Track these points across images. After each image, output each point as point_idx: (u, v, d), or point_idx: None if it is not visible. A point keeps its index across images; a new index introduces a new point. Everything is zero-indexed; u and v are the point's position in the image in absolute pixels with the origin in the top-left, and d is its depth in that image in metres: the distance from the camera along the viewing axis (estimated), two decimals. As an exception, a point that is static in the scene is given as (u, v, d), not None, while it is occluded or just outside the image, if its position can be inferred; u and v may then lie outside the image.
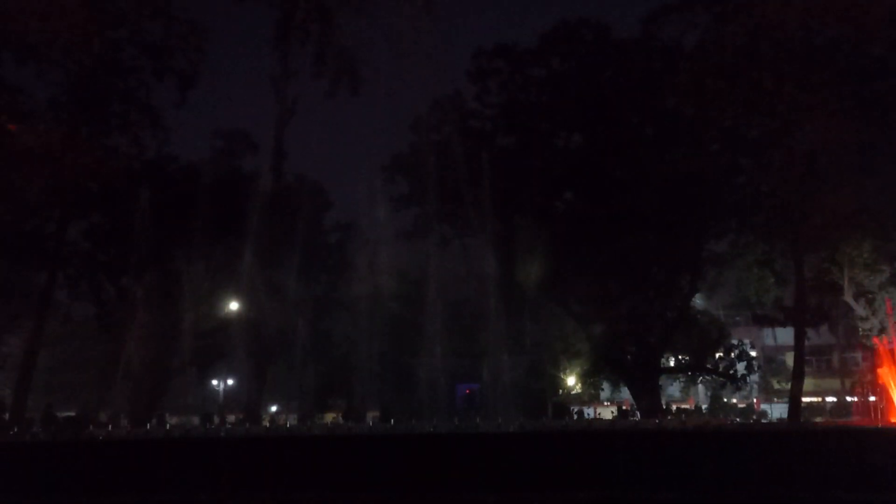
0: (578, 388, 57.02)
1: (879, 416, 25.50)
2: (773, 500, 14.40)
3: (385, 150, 45.41)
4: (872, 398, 24.87)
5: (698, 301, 48.14)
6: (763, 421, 48.14)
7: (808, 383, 40.10)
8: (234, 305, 44.85)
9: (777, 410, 56.30)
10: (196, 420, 40.87)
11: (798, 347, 37.60)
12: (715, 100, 32.23)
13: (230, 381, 59.24)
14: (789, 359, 44.91)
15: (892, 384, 27.38)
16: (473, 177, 39.87)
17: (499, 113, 43.28)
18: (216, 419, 41.64)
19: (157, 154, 43.10)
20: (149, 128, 42.05)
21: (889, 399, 27.45)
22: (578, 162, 41.36)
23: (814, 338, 40.50)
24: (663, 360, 46.06)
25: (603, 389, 55.29)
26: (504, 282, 42.80)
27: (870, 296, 34.42)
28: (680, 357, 48.28)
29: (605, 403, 58.75)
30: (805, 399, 38.12)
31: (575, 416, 48.19)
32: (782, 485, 15.76)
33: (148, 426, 36.13)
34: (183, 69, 41.49)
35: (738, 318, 58.29)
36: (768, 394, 62.23)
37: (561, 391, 56.56)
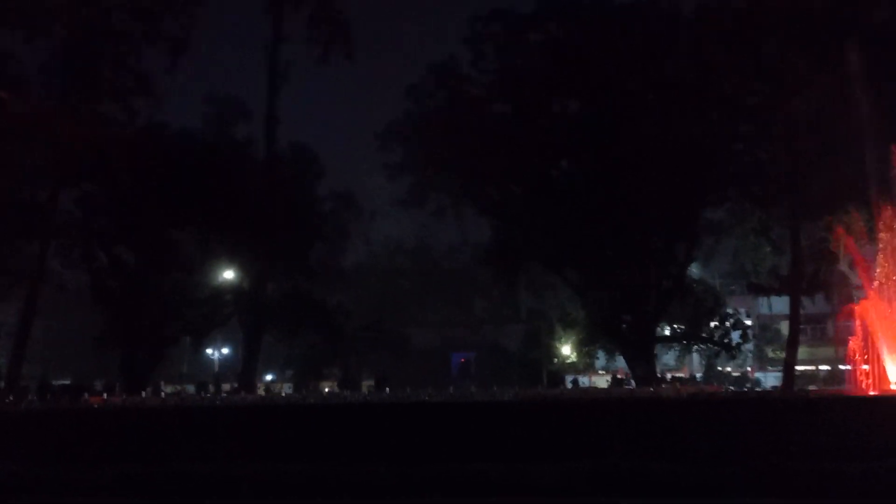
0: (574, 357, 57.26)
1: (871, 385, 25.71)
2: (768, 470, 14.37)
3: (379, 118, 44.93)
4: (866, 367, 24.84)
5: (694, 270, 48.14)
6: (757, 389, 48.45)
7: (802, 352, 40.29)
8: (228, 274, 44.67)
9: (771, 379, 56.67)
10: (191, 389, 40.98)
11: (793, 316, 37.68)
12: (715, 66, 31.83)
13: (225, 351, 59.34)
14: (784, 327, 45.08)
15: (886, 352, 27.39)
16: (469, 144, 39.45)
17: (495, 79, 42.66)
18: (211, 388, 41.71)
19: (149, 121, 42.57)
20: (140, 94, 41.46)
21: (882, 367, 27.47)
22: (576, 129, 40.91)
23: (809, 306, 40.52)
24: (659, 329, 46.15)
25: (598, 358, 55.49)
26: (500, 251, 42.65)
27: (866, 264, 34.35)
28: (675, 326, 48.41)
29: (601, 372, 59.04)
30: (799, 367, 38.29)
31: (570, 385, 48.49)
32: (777, 453, 15.71)
33: (143, 395, 36.18)
34: (174, 34, 40.82)
35: (733, 287, 58.37)
36: (762, 362, 62.60)
37: (556, 360, 56.82)
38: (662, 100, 38.49)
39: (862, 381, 24.36)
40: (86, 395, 31.21)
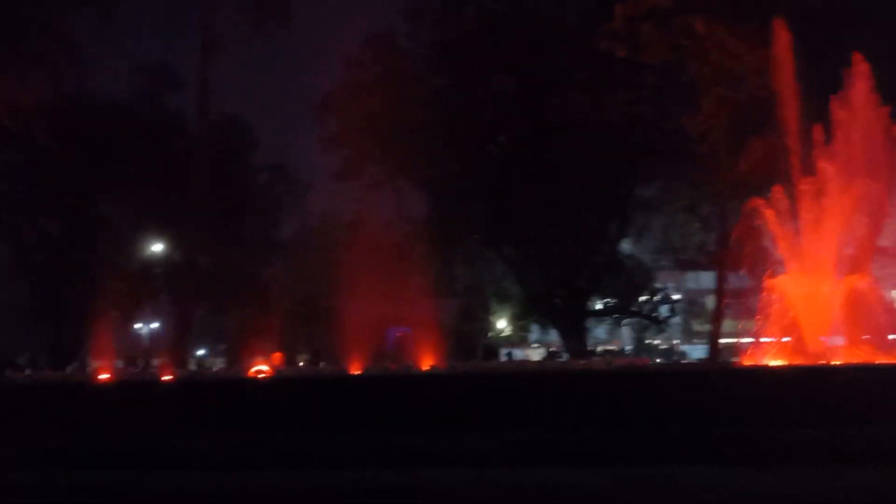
0: (508, 331, 58.07)
1: (789, 356, 27.06)
2: (695, 437, 14.96)
3: (314, 90, 44.16)
4: (786, 339, 25.94)
5: (626, 246, 49.22)
6: (683, 361, 50.10)
7: (727, 325, 41.71)
8: (158, 247, 43.54)
9: (697, 351, 58.60)
10: (119, 364, 39.94)
11: (719, 291, 38.96)
12: (647, 44, 32.32)
13: (155, 325, 57.96)
14: (710, 302, 46.52)
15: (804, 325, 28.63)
16: (405, 118, 39.21)
17: (432, 53, 42.45)
18: (141, 363, 40.78)
19: (76, 89, 40.87)
20: (66, 61, 39.71)
21: (801, 338, 28.69)
22: (512, 105, 41.13)
23: (734, 281, 41.95)
24: (591, 304, 47.15)
25: (532, 332, 56.44)
26: (436, 225, 42.74)
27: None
28: (607, 300, 49.52)
29: (535, 346, 60.05)
30: (723, 340, 39.68)
31: (505, 358, 49.17)
32: (701, 421, 16.33)
33: (68, 370, 35.13)
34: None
35: (663, 263, 59.89)
36: (689, 335, 64.65)
37: (491, 334, 57.50)
38: (595, 76, 38.99)
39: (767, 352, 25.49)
40: (7, 370, 30.17)
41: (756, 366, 24.49)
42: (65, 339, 40.70)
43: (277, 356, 33.99)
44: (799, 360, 24.19)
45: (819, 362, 23.50)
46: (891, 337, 24.48)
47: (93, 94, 41.78)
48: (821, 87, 29.20)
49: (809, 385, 18.00)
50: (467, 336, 51.69)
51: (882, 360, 22.47)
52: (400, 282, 39.60)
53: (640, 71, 36.93)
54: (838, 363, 22.80)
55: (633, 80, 37.88)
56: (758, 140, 31.71)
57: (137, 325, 56.84)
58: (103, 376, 28.37)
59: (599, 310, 50.30)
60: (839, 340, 26.00)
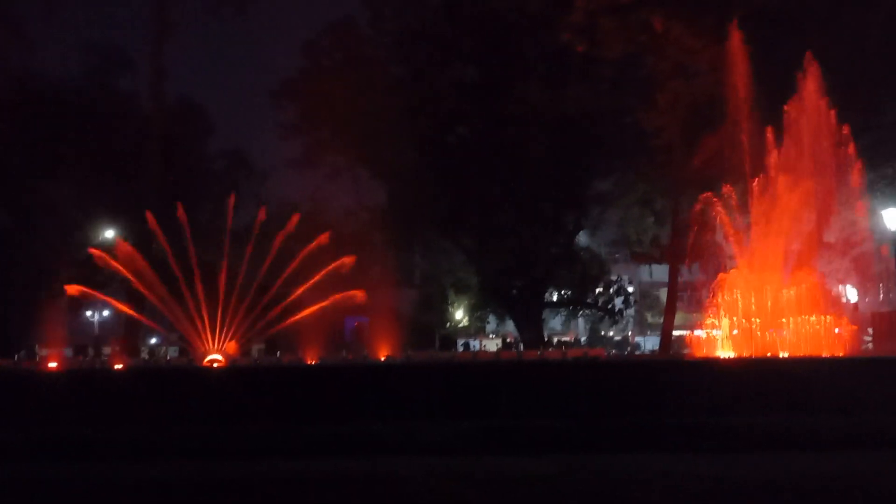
0: (466, 322, 58.25)
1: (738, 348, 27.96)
2: (645, 426, 15.28)
3: (273, 75, 43.61)
4: (735, 332, 26.64)
5: (582, 238, 49.75)
6: (637, 353, 50.97)
7: (679, 317, 42.53)
8: (109, 233, 42.57)
9: (650, 343, 59.62)
10: (69, 352, 39.07)
11: (671, 284, 39.70)
12: (606, 38, 32.67)
13: (106, 313, 56.74)
14: (663, 294, 47.36)
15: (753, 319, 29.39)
16: (365, 106, 39.01)
17: (393, 41, 42.26)
18: (90, 351, 39.93)
19: (21, 70, 39.64)
20: (11, 39, 38.51)
21: (749, 331, 29.45)
22: (471, 95, 41.18)
23: (686, 275, 42.77)
24: (547, 295, 47.59)
25: (489, 322, 56.70)
26: (394, 215, 42.64)
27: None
28: (563, 292, 50.01)
29: (491, 336, 60.36)
30: (676, 332, 40.47)
31: (461, 349, 49.38)
32: (652, 411, 16.69)
33: (16, 358, 34.22)
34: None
35: (617, 256, 60.71)
36: (643, 327, 65.70)
37: (449, 324, 57.62)
38: (554, 69, 39.28)
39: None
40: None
41: (706, 357, 25.10)
42: (11, 326, 39.60)
43: (232, 346, 33.59)
44: (747, 352, 24.86)
45: (766, 354, 24.19)
46: (836, 330, 25.33)
47: (39, 74, 40.55)
48: (774, 85, 29.92)
49: (757, 376, 18.53)
50: (425, 326, 51.74)
51: (826, 352, 23.23)
52: (358, 271, 39.40)
53: (599, 65, 37.31)
54: (785, 355, 23.49)
55: (591, 74, 38.25)
56: (711, 136, 32.34)
57: (88, 313, 55.61)
58: (52, 365, 27.76)
59: (555, 301, 50.82)
60: (786, 333, 26.75)
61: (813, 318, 24.72)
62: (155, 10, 42.88)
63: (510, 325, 50.92)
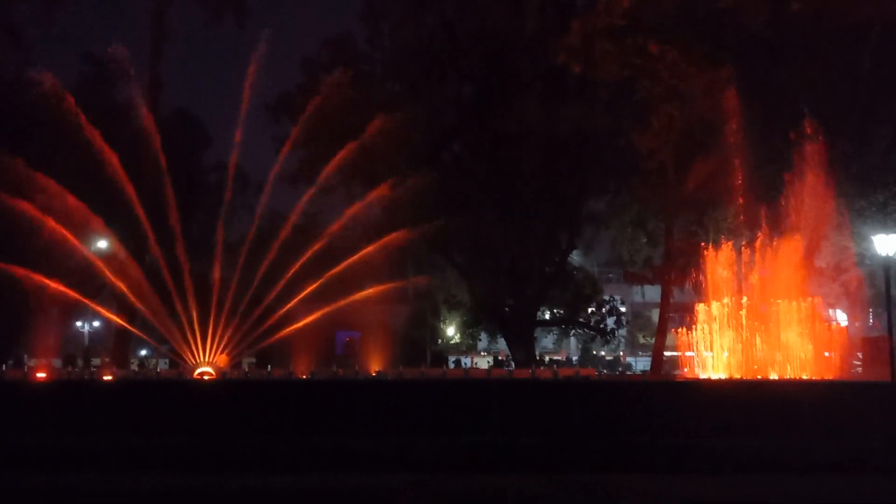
0: (457, 339, 58.16)
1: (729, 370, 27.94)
2: (634, 446, 15.29)
3: (271, 89, 43.75)
4: (725, 353, 26.74)
5: (575, 257, 49.86)
6: (628, 373, 50.97)
7: (670, 338, 42.58)
8: (101, 243, 42.39)
9: (641, 363, 59.64)
10: (58, 363, 38.84)
11: (663, 304, 39.77)
12: (602, 61, 32.96)
13: (96, 324, 56.43)
14: (655, 315, 47.42)
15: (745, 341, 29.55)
16: (361, 121, 39.13)
17: (390, 57, 42.51)
18: (80, 362, 39.70)
19: (17, 76, 39.63)
20: (8, 46, 38.55)
21: (740, 353, 29.57)
22: (467, 113, 41.41)
23: (678, 296, 42.90)
24: (539, 313, 47.59)
25: (481, 340, 56.64)
26: (388, 230, 42.64)
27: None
28: (555, 311, 50.02)
29: (483, 354, 60.31)
30: (667, 353, 40.52)
31: (452, 366, 49.31)
32: (642, 431, 16.71)
33: (4, 368, 34.00)
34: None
35: (610, 276, 60.90)
36: (634, 347, 65.77)
37: (440, 341, 57.54)
38: (550, 89, 39.55)
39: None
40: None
41: (696, 379, 25.15)
42: (-1, 336, 39.37)
43: (223, 359, 33.48)
44: (738, 375, 24.93)
45: (757, 377, 24.26)
46: (826, 354, 25.45)
47: (36, 81, 40.51)
48: (767, 111, 30.25)
49: (747, 398, 18.57)
50: (416, 342, 51.65)
51: (815, 376, 23.32)
52: (350, 286, 39.38)
53: (594, 86, 37.62)
54: (774, 378, 23.57)
55: (586, 95, 38.54)
56: (704, 159, 32.61)
57: (78, 324, 55.30)
58: (40, 375, 27.59)
59: (547, 320, 50.81)
60: (776, 357, 26.84)
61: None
62: (153, 22, 43.02)
63: (502, 343, 50.89)
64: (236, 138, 35.96)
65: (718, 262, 28.04)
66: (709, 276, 28.21)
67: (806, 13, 30.17)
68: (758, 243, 27.70)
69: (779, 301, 26.05)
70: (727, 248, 28.32)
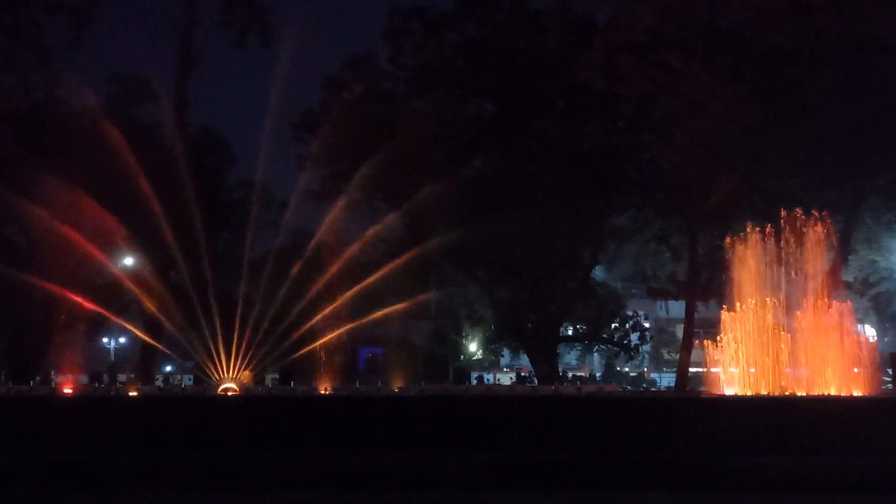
0: (480, 354, 57.98)
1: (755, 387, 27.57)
2: (657, 463, 15.11)
3: (294, 107, 44.11)
4: (752, 370, 26.36)
5: (598, 273, 49.58)
6: (652, 389, 50.44)
7: (695, 354, 42.12)
8: (128, 260, 42.94)
9: (666, 379, 58.99)
10: (84, 379, 39.25)
11: (688, 320, 39.38)
12: (624, 76, 32.90)
13: (122, 340, 57.03)
14: (679, 331, 46.96)
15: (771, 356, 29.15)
16: (384, 139, 39.38)
17: (412, 75, 42.79)
18: (106, 378, 40.10)
19: (48, 97, 40.41)
20: (38, 67, 39.30)
21: (766, 369, 29.18)
22: (489, 130, 41.50)
23: (703, 311, 42.45)
24: (562, 329, 47.33)
25: (503, 356, 56.39)
26: (410, 246, 42.74)
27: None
28: (578, 326, 49.72)
29: (505, 370, 60.01)
30: (692, 369, 40.06)
31: (475, 382, 49.12)
32: (667, 448, 16.51)
33: (32, 384, 34.43)
34: (78, 6, 38.88)
35: (634, 291, 60.39)
36: (659, 363, 65.06)
37: (463, 356, 57.39)
38: (573, 106, 39.55)
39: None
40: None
41: (721, 396, 24.81)
42: (26, 352, 39.87)
43: (246, 375, 33.64)
44: (764, 391, 24.55)
45: (784, 393, 23.88)
46: (854, 370, 25.00)
47: (64, 101, 41.30)
48: (791, 124, 30.00)
49: (774, 415, 18.29)
50: (439, 358, 51.58)
51: (844, 392, 22.90)
52: (373, 302, 39.48)
53: (616, 101, 37.55)
54: (802, 395, 23.18)
55: (608, 111, 38.46)
56: (728, 174, 32.37)
57: (104, 340, 55.93)
58: (66, 391, 27.92)
59: (570, 336, 50.51)
60: (804, 372, 26.41)
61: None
62: (180, 43, 43.70)
63: (525, 359, 50.61)
64: (260, 157, 36.23)
65: (745, 262, 27.56)
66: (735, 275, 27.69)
67: (829, 25, 29.93)
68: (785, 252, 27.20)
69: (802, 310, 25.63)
70: (754, 240, 27.69)
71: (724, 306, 27.66)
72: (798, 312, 26.39)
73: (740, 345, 26.03)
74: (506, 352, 54.94)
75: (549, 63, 39.34)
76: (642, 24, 32.07)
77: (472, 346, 57.55)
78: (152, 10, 44.04)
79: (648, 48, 32.25)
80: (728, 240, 27.65)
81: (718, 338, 27.01)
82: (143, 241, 42.44)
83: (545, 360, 42.96)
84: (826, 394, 22.98)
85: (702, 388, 44.18)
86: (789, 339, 25.69)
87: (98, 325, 46.81)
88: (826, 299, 27.21)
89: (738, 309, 27.17)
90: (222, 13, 43.80)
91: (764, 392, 24.29)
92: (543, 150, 38.77)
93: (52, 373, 43.20)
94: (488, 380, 54.51)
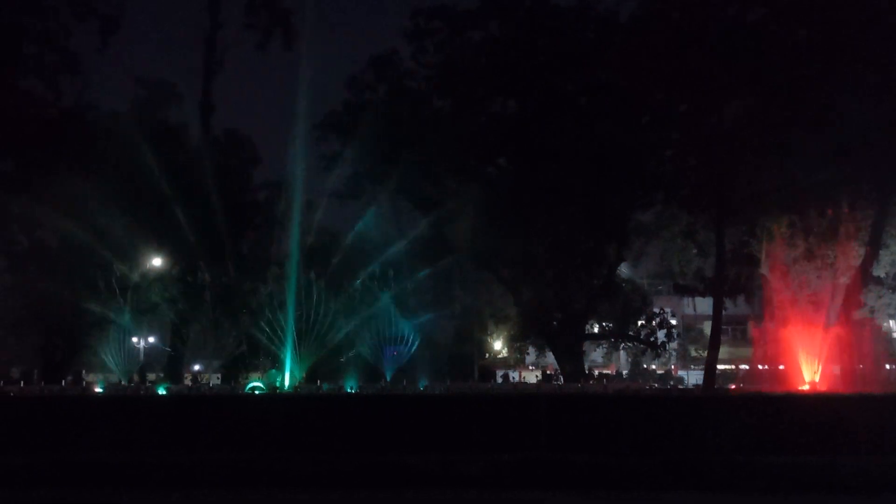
0: (505, 353, 57.91)
1: (784, 384, 27.07)
2: (686, 463, 14.96)
3: (318, 108, 44.36)
4: (781, 367, 26.06)
5: (623, 270, 49.23)
6: (679, 387, 50.01)
7: (723, 351, 41.63)
8: (157, 261, 43.49)
9: (693, 377, 58.47)
10: (115, 378, 39.79)
11: (715, 317, 38.93)
12: (647, 73, 32.61)
13: (151, 340, 57.74)
14: (707, 328, 46.49)
15: (800, 354, 28.80)
16: (407, 138, 39.44)
17: (435, 74, 42.78)
18: (135, 377, 40.63)
19: (76, 101, 41.05)
20: (67, 72, 39.93)
21: (797, 367, 28.84)
22: (512, 128, 41.39)
23: (731, 308, 41.96)
24: (588, 327, 47.09)
25: (529, 354, 56.24)
26: (434, 245, 42.80)
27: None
28: (604, 324, 49.42)
29: (530, 367, 59.89)
30: (720, 367, 39.62)
31: (500, 380, 49.06)
32: (694, 447, 16.36)
33: (63, 384, 35.00)
34: (105, 11, 39.48)
35: (660, 288, 59.88)
36: (686, 361, 64.50)
37: (488, 355, 57.37)
38: (595, 103, 39.30)
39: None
40: (2, 382, 30.12)
41: (750, 393, 24.54)
42: (57, 352, 40.53)
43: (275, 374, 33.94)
44: (794, 389, 24.26)
45: (814, 391, 23.58)
46: (888, 367, 24.63)
47: (93, 105, 41.96)
48: (817, 118, 29.54)
49: (804, 413, 18.04)
50: (464, 357, 51.61)
51: (874, 389, 22.54)
52: (398, 301, 39.59)
53: (639, 98, 37.24)
54: (832, 392, 22.87)
55: (631, 108, 38.16)
56: (756, 168, 31.96)
57: (133, 340, 56.64)
58: (98, 390, 28.34)
59: (596, 333, 50.24)
60: (835, 369, 26.06)
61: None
62: (205, 45, 44.20)
63: (550, 357, 50.40)
64: (286, 160, 36.52)
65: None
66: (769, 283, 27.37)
67: (852, 21, 29.42)
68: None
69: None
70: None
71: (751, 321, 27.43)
72: (827, 309, 26.07)
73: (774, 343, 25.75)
74: (531, 350, 54.79)
75: (572, 61, 39.15)
76: (665, 21, 31.77)
77: (497, 345, 57.48)
78: (177, 14, 44.66)
79: (670, 44, 31.91)
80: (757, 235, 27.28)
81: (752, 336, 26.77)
82: (170, 242, 43.01)
83: (571, 358, 42.76)
84: (856, 392, 22.65)
85: (730, 386, 43.77)
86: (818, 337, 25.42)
87: (127, 326, 47.44)
88: (857, 295, 26.83)
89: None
90: (246, 16, 44.23)
91: (794, 390, 24.03)
92: (566, 147, 38.57)
93: (83, 372, 43.94)
94: (514, 378, 54.43)
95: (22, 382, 35.45)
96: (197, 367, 58.73)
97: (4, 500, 13.74)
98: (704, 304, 49.16)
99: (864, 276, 31.46)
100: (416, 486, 14.19)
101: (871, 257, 31.86)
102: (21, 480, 15.28)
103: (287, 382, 33.09)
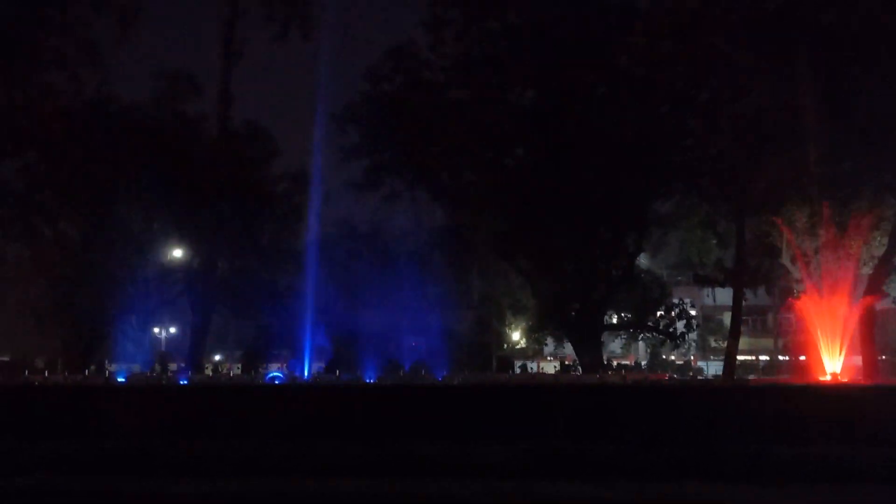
0: (523, 343, 57.87)
1: (805, 375, 26.81)
2: (704, 453, 14.90)
3: (336, 99, 44.34)
4: (802, 357, 25.83)
5: (642, 260, 48.96)
6: (699, 377, 49.74)
7: (743, 342, 41.40)
8: (177, 252, 43.91)
9: (713, 368, 58.16)
10: (137, 368, 40.31)
11: (735, 308, 38.70)
12: (667, 61, 32.30)
13: (172, 330, 58.38)
14: (727, 318, 46.18)
15: (821, 344, 28.52)
16: (425, 129, 39.38)
17: (453, 64, 42.59)
18: (157, 367, 41.13)
19: (97, 93, 41.34)
20: (87, 65, 40.18)
21: (818, 358, 28.57)
22: (531, 118, 41.18)
23: (751, 299, 41.63)
24: (606, 317, 46.93)
25: (547, 344, 56.15)
26: (453, 236, 42.82)
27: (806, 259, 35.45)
28: (623, 314, 49.22)
29: (549, 358, 59.81)
30: (740, 357, 39.39)
31: (519, 370, 49.08)
32: (715, 438, 16.30)
33: (86, 373, 35.48)
34: (124, 3, 39.65)
35: (679, 278, 59.43)
36: (705, 351, 64.15)
37: (506, 345, 57.38)
38: (614, 91, 39.00)
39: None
40: (26, 371, 30.57)
41: (771, 383, 24.38)
42: (82, 342, 41.06)
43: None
44: (815, 379, 24.05)
45: (835, 381, 23.36)
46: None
47: (113, 98, 42.22)
48: (841, 106, 29.12)
49: (825, 404, 17.90)
50: (482, 347, 51.67)
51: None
52: (416, 291, 39.69)
53: (659, 87, 36.90)
54: (854, 383, 22.66)
55: (650, 96, 37.83)
56: (776, 158, 31.59)
57: (155, 330, 57.29)
58: (120, 379, 28.71)
59: (615, 324, 50.05)
60: (857, 360, 25.80)
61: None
62: (223, 37, 44.27)
63: (569, 348, 50.30)
64: (305, 151, 36.57)
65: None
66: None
67: (879, 5, 28.90)
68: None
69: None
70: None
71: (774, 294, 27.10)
72: (849, 299, 25.79)
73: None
74: (549, 340, 54.71)
75: (591, 49, 38.84)
76: (685, 7, 31.42)
77: (516, 335, 57.46)
78: (195, 6, 44.77)
79: (691, 31, 31.57)
80: (780, 226, 27.01)
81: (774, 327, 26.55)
82: (190, 233, 43.37)
83: (589, 349, 42.66)
84: (880, 382, 22.43)
85: (750, 376, 43.42)
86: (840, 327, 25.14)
87: (149, 316, 47.98)
88: (880, 286, 26.51)
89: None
90: (264, 7, 44.24)
91: (815, 381, 23.81)
92: (585, 137, 38.34)
93: (106, 362, 44.51)
94: (532, 368, 54.40)
95: (46, 372, 35.99)
96: (218, 357, 59.31)
97: (26, 486, 13.97)
98: (724, 295, 48.81)
99: (887, 267, 31.06)
100: (436, 476, 14.24)
101: (894, 248, 31.42)
102: (44, 467, 15.54)
103: (306, 372, 33.35)
